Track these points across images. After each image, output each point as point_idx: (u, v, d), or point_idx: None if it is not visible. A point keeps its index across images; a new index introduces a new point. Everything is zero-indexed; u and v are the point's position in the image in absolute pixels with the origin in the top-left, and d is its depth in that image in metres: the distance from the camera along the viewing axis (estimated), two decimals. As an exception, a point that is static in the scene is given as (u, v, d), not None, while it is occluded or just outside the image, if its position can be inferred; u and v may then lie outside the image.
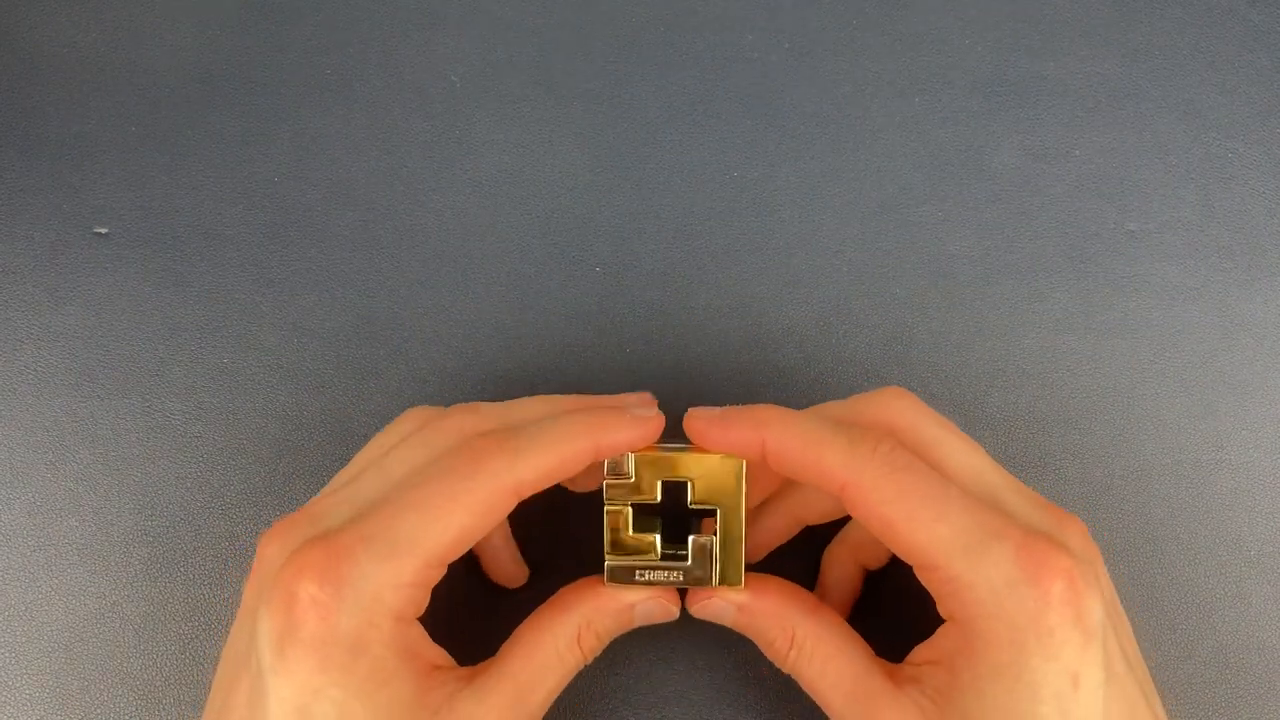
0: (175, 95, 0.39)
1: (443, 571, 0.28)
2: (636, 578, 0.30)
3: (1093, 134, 0.39)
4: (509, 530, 0.34)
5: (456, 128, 0.39)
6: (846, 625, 0.30)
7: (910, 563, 0.28)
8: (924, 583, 0.28)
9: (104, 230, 0.38)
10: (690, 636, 0.35)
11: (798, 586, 0.31)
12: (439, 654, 0.29)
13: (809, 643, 0.30)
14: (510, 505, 0.28)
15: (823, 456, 0.28)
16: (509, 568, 0.34)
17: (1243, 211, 0.38)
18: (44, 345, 0.37)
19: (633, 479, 0.30)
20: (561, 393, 0.36)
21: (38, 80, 0.39)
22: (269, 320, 0.37)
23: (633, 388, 0.36)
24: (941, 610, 0.28)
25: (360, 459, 0.31)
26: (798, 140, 0.39)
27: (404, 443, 0.29)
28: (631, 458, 0.30)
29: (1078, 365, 0.37)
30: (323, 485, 0.32)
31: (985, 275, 0.38)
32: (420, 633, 0.28)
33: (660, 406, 0.31)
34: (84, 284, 0.37)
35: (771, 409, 0.29)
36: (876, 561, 0.34)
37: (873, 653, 0.30)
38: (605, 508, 0.30)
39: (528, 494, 0.28)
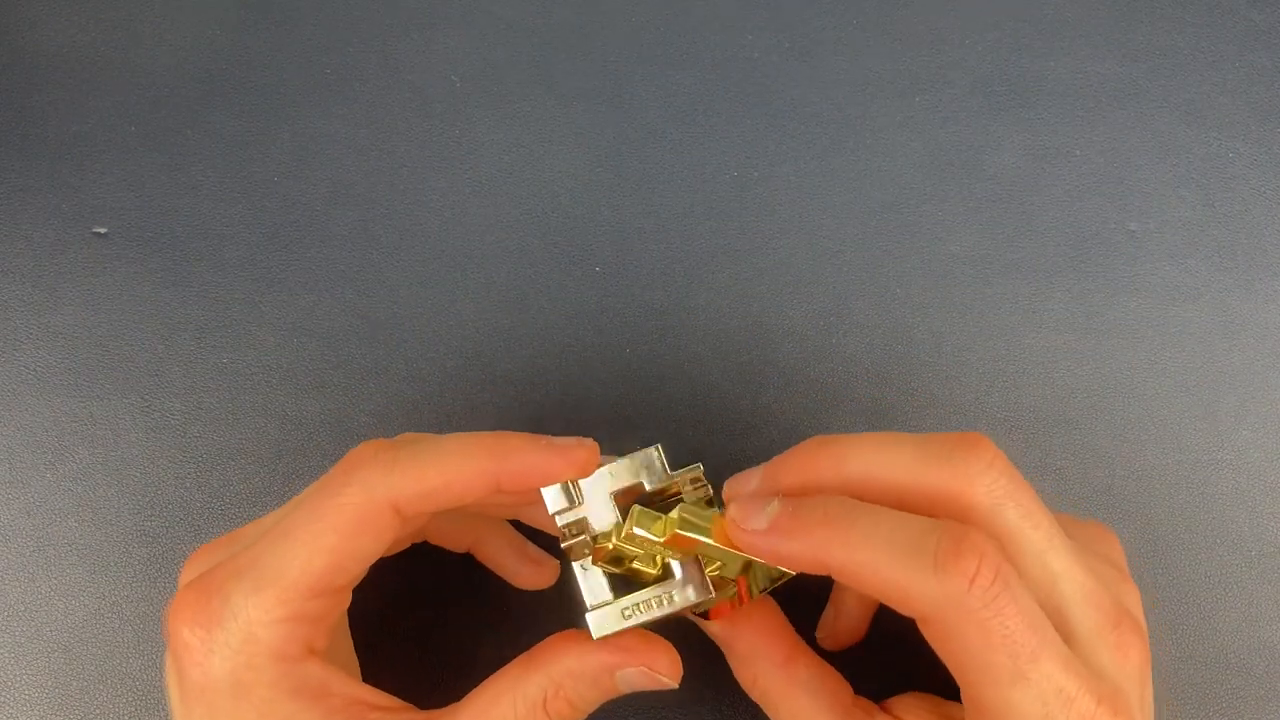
0: (175, 95, 0.39)
1: (332, 600, 0.26)
2: (626, 617, 0.26)
3: (1093, 134, 0.39)
4: (510, 529, 0.33)
5: (456, 128, 0.39)
6: (824, 671, 0.28)
7: (963, 690, 0.25)
8: (965, 703, 0.26)
9: (103, 230, 0.38)
10: (690, 635, 0.35)
11: (778, 625, 0.28)
12: (367, 691, 0.27)
13: (772, 695, 0.28)
14: (391, 524, 0.26)
15: (902, 584, 0.24)
16: (519, 570, 0.32)
17: (1243, 211, 0.38)
18: (44, 345, 0.37)
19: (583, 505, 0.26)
20: (561, 393, 0.36)
21: (38, 80, 0.39)
22: (269, 320, 0.37)
23: (633, 388, 0.36)
24: None
25: None
26: (798, 140, 0.39)
27: None
28: (583, 486, 0.26)
29: (1078, 365, 0.37)
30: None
31: (985, 275, 0.38)
32: (323, 670, 0.26)
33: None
34: (83, 284, 0.37)
35: (830, 508, 0.25)
36: None
37: (853, 698, 0.28)
38: (570, 556, 0.26)
39: (412, 512, 0.26)
